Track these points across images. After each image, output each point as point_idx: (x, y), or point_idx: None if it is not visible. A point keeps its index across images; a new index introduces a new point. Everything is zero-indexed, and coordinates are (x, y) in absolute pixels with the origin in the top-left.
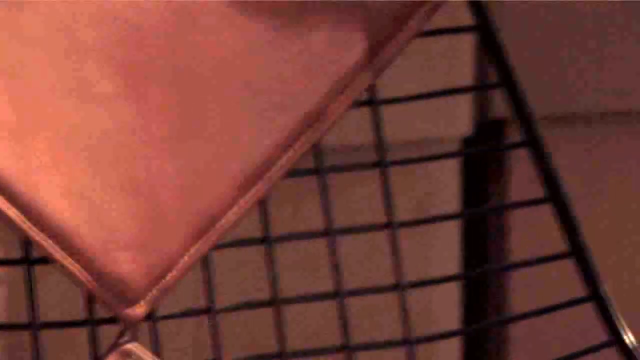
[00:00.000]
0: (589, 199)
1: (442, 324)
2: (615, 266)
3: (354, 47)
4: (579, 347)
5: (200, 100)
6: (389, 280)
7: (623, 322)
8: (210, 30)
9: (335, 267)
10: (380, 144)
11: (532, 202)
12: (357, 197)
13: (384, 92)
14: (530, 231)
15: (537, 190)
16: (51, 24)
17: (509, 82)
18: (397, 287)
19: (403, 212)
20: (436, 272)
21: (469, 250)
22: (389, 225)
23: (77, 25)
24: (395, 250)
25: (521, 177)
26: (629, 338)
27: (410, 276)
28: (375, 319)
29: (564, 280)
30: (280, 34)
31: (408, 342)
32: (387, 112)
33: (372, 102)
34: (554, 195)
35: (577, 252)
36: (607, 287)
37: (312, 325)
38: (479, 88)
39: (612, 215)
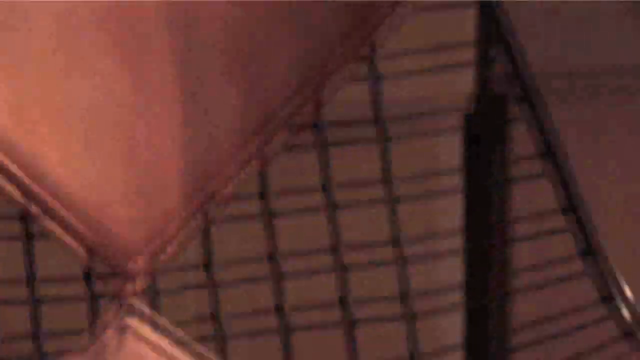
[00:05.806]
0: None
1: (445, 299)
2: (617, 225)
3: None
4: (580, 322)
5: (197, 71)
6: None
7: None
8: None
9: (336, 241)
10: (379, 119)
11: (532, 176)
12: (358, 171)
13: (385, 67)
14: (531, 200)
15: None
16: (48, 6)
17: (510, 56)
18: (397, 261)
19: (404, 184)
20: (439, 246)
21: (471, 224)
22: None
23: (73, 2)
24: (394, 225)
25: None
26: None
27: (413, 249)
28: (376, 293)
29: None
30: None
31: (409, 316)
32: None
33: (373, 76)
34: (550, 151)
35: (573, 209)
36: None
37: (313, 297)
38: (481, 58)
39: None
